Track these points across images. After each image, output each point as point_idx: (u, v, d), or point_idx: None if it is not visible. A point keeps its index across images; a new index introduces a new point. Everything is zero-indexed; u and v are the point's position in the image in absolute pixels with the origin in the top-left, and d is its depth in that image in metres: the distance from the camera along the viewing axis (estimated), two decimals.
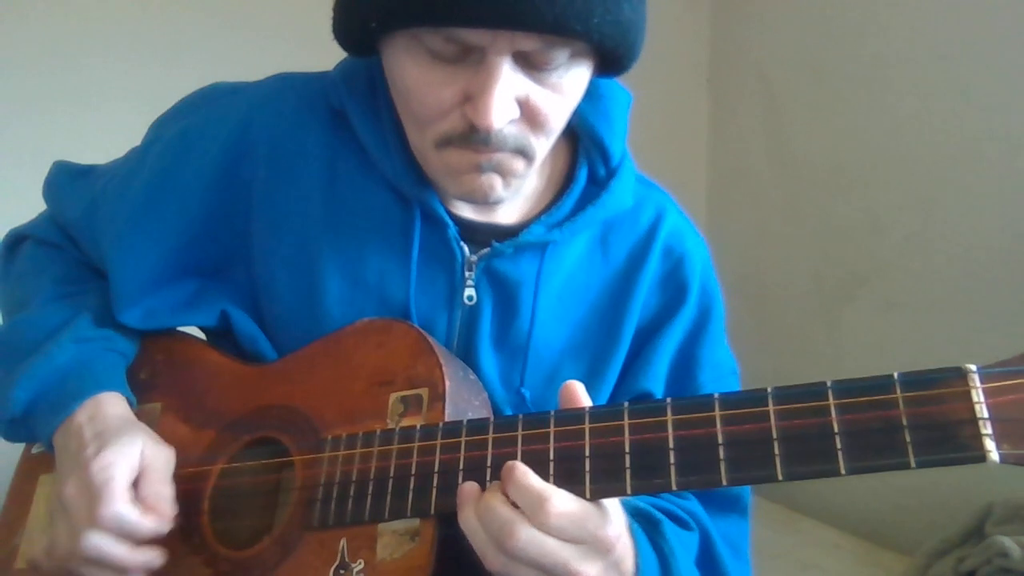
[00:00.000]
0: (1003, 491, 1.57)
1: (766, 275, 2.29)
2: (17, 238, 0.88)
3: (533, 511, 0.53)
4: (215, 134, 0.76)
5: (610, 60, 0.65)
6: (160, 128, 0.81)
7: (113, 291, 0.76)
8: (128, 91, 1.58)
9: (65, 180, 0.86)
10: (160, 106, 0.83)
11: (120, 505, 0.62)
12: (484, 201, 0.68)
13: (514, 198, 0.75)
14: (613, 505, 0.57)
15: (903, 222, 1.90)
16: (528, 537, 0.53)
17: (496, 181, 0.66)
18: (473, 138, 0.63)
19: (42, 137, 1.55)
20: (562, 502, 0.54)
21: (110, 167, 0.84)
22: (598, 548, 0.54)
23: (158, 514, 0.65)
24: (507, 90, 0.61)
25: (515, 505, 0.55)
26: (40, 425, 0.71)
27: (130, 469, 0.65)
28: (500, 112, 0.61)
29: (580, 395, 0.59)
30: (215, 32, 1.68)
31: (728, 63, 2.36)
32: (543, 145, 0.67)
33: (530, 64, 0.62)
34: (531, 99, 0.63)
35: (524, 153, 0.66)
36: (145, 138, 0.82)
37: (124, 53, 1.62)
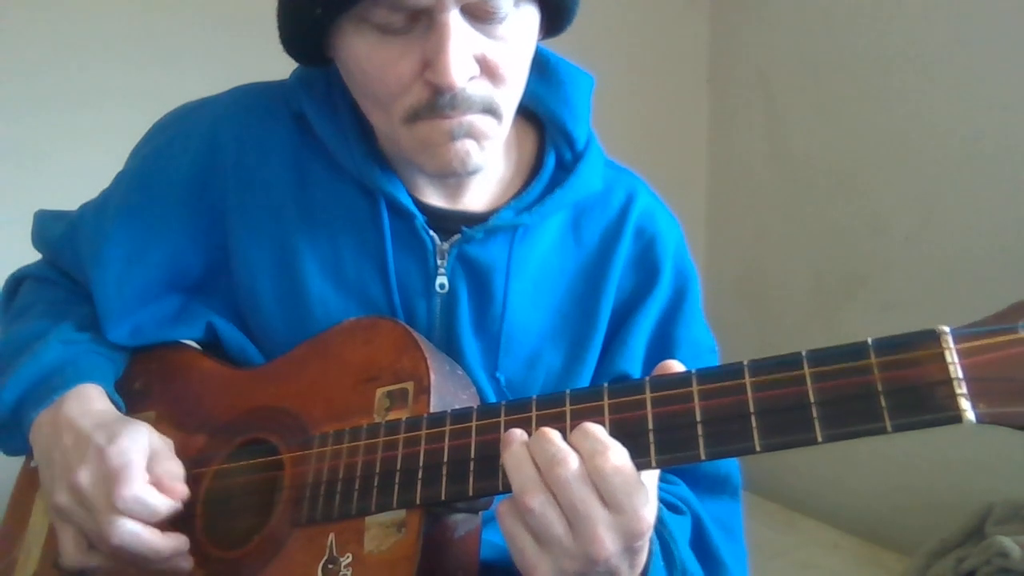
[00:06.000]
0: (1003, 491, 1.57)
1: (766, 275, 2.29)
2: (18, 280, 0.90)
3: (591, 454, 0.52)
4: (183, 150, 0.77)
5: (552, 5, 0.67)
6: (134, 156, 0.83)
7: (99, 310, 0.77)
8: (128, 92, 1.58)
9: (48, 217, 0.89)
10: (160, 107, 0.84)
11: (139, 486, 0.63)
12: (463, 170, 0.68)
13: (484, 182, 0.76)
14: (654, 494, 0.56)
15: (903, 222, 1.90)
16: (578, 470, 0.52)
17: (471, 146, 0.66)
18: (439, 104, 0.63)
19: (42, 137, 1.55)
20: (622, 457, 0.53)
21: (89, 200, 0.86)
22: (630, 526, 0.53)
23: (173, 492, 0.65)
24: (462, 46, 0.61)
25: None
26: (27, 422, 0.72)
27: (144, 455, 0.65)
28: (460, 68, 0.61)
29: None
30: (215, 33, 1.68)
31: (728, 63, 2.36)
32: (508, 99, 0.67)
33: (478, 17, 0.62)
34: (487, 55, 0.63)
35: (492, 111, 0.66)
36: (123, 166, 0.84)
37: (124, 54, 1.62)
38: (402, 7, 0.60)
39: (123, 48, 1.62)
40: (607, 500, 0.52)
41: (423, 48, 0.62)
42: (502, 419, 0.59)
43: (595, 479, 0.52)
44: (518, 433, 0.56)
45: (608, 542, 0.52)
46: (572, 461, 0.52)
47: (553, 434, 0.54)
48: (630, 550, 0.54)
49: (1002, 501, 1.54)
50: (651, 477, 0.56)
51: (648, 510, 0.53)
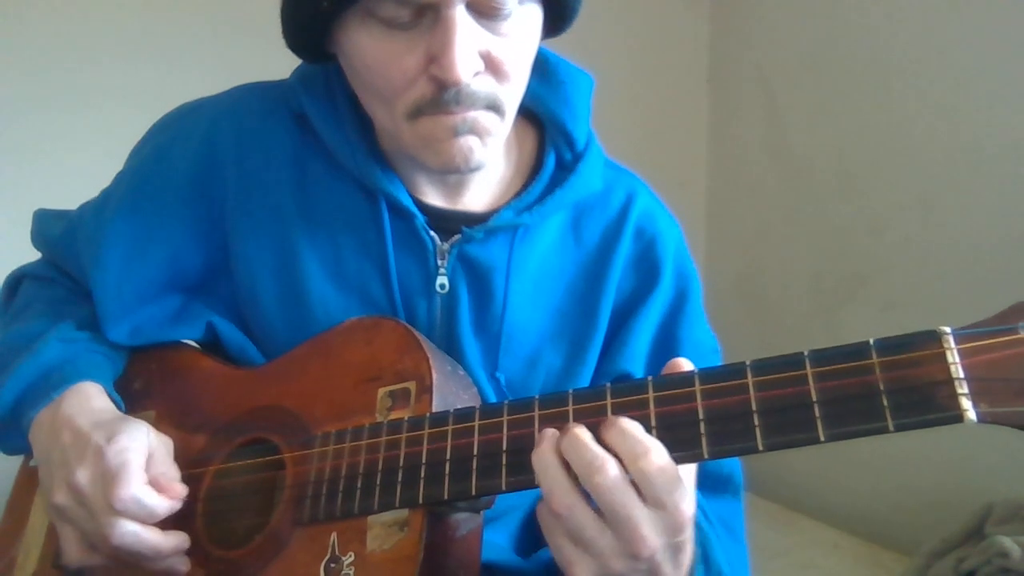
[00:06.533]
0: (1003, 491, 1.57)
1: (766, 275, 2.30)
2: (17, 279, 0.90)
3: (634, 457, 0.51)
4: (183, 150, 0.77)
5: (555, 4, 0.67)
6: (134, 156, 0.83)
7: (99, 310, 0.77)
8: (128, 92, 1.58)
9: (48, 217, 0.88)
10: (160, 107, 0.84)
11: (137, 486, 0.63)
12: (466, 167, 0.67)
13: (484, 182, 0.76)
14: (692, 487, 0.55)
15: (903, 222, 1.90)
16: (619, 475, 0.51)
17: (474, 142, 0.66)
18: (444, 99, 0.63)
19: (42, 137, 1.55)
20: (663, 456, 0.52)
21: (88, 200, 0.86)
22: (672, 521, 0.52)
23: (171, 491, 0.65)
24: (468, 41, 0.61)
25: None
26: (27, 421, 0.72)
27: (143, 454, 0.65)
28: (465, 64, 0.61)
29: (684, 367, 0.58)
30: (215, 33, 1.68)
31: (728, 63, 2.36)
32: (511, 96, 0.68)
33: (483, 14, 0.62)
34: (492, 51, 0.64)
35: (496, 108, 0.66)
36: (123, 166, 0.84)
37: (124, 54, 1.62)
38: (409, 2, 0.60)
39: (123, 48, 1.62)
40: (648, 499, 0.51)
41: (428, 43, 0.62)
42: (504, 419, 0.59)
43: (638, 480, 0.51)
44: (549, 433, 0.54)
45: (650, 540, 0.51)
46: (611, 468, 0.51)
47: (586, 436, 0.52)
48: (672, 545, 0.53)
49: (1002, 501, 1.54)
50: (688, 470, 0.56)
51: (687, 503, 0.53)
